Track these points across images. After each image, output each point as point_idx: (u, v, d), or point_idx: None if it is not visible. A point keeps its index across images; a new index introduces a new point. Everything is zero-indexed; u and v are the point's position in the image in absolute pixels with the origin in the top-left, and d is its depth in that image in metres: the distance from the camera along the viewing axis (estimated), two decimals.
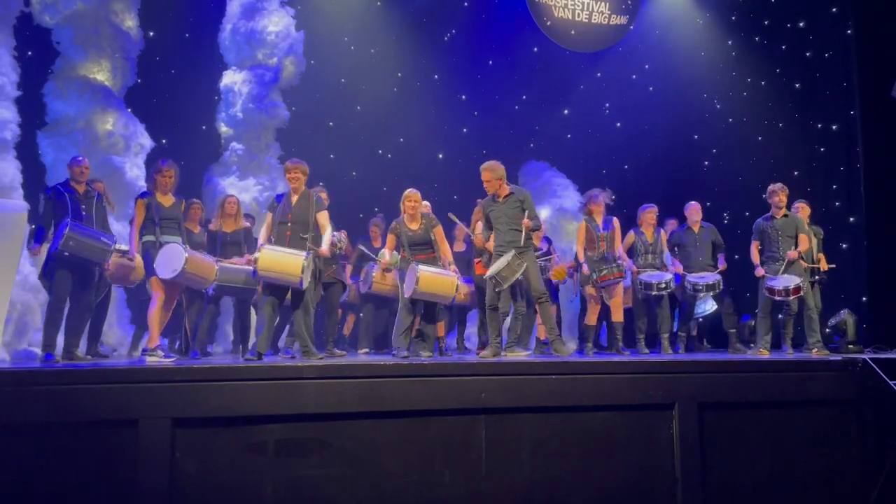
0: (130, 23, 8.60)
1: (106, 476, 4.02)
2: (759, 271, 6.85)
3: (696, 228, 7.41)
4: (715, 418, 4.95)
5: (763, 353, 6.57)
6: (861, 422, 5.18)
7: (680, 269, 7.27)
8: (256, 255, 5.35)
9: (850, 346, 7.04)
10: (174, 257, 5.38)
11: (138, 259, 5.76)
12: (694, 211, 7.46)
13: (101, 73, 8.30)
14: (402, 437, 4.45)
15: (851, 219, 9.52)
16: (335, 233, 6.58)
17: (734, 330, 7.37)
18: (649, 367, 4.97)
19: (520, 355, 6.00)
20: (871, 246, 8.99)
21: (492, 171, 5.94)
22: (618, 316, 7.03)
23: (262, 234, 5.82)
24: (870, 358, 5.24)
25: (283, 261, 5.35)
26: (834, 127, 10.07)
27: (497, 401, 4.57)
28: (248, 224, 7.02)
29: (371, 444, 4.39)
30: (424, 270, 5.69)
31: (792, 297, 6.61)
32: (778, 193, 6.88)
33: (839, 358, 5.44)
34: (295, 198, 5.72)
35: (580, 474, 4.69)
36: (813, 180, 10.08)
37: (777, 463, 5.04)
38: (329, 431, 4.34)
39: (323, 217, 5.77)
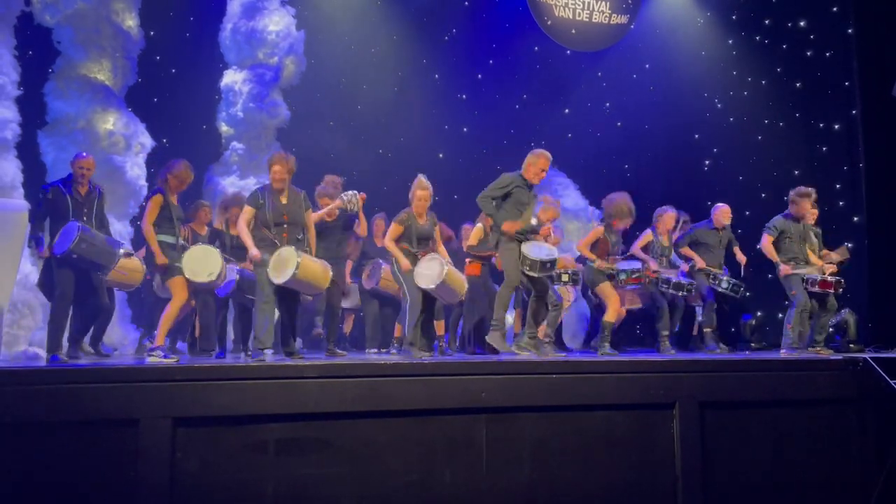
0: (131, 22, 8.62)
1: (106, 476, 4.01)
2: (786, 269, 6.56)
3: (720, 230, 7.49)
4: (716, 417, 4.94)
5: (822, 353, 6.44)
6: (861, 421, 5.17)
7: (702, 263, 7.29)
8: (298, 260, 5.11)
9: (851, 346, 7.05)
10: (211, 260, 5.31)
11: (136, 261, 5.69)
12: (725, 214, 7.49)
13: (101, 73, 8.31)
14: (403, 437, 4.44)
15: (855, 218, 9.50)
16: (347, 192, 6.27)
17: (709, 330, 7.33)
18: (650, 367, 4.97)
19: (556, 356, 5.81)
20: (872, 245, 8.99)
21: (548, 160, 5.90)
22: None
23: (242, 229, 5.29)
24: (871, 357, 5.22)
25: (318, 271, 5.32)
26: (835, 126, 10.06)
27: (497, 400, 4.57)
28: None
29: (372, 444, 4.39)
30: (448, 265, 5.78)
31: (833, 291, 6.58)
32: (812, 196, 6.79)
33: (840, 357, 5.43)
34: (284, 197, 5.37)
35: (581, 474, 4.68)
36: (814, 180, 10.04)
37: (777, 462, 5.04)
38: (330, 431, 4.34)
39: (310, 217, 5.62)
